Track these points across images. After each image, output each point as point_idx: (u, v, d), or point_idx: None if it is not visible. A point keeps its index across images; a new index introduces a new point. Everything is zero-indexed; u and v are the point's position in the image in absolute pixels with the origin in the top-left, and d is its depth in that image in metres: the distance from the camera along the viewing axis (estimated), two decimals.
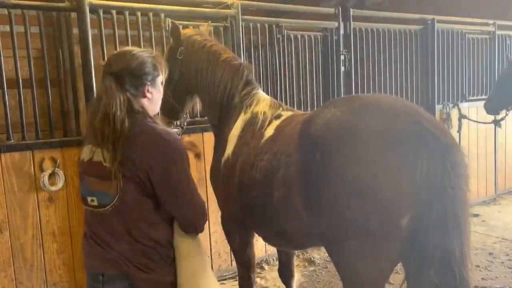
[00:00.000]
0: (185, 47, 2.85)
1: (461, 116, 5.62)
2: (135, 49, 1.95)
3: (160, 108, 2.05)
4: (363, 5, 9.94)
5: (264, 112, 2.60)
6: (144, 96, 1.88)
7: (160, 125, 1.86)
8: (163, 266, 1.85)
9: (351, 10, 4.81)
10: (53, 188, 3.16)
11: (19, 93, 3.16)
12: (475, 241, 4.55)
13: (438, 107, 5.58)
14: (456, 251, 1.76)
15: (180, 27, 2.99)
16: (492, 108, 5.00)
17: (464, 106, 5.77)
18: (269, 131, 2.45)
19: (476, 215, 5.38)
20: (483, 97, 5.81)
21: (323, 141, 1.90)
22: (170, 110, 2.98)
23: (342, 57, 4.76)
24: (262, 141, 2.41)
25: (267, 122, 2.54)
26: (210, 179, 2.85)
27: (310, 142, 1.96)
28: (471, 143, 5.84)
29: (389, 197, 1.73)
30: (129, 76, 1.83)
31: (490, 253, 4.33)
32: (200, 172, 3.83)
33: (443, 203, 1.73)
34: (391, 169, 1.73)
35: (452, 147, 1.78)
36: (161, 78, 1.95)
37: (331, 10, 4.76)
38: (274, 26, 4.31)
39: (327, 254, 2.17)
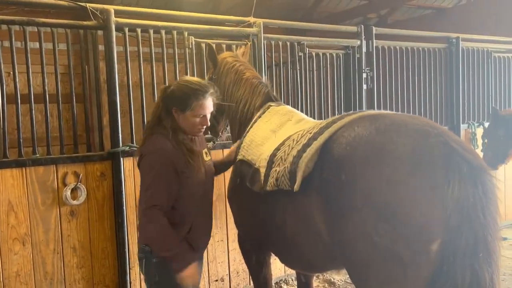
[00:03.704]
0: (218, 68, 3.03)
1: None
2: (186, 79, 2.43)
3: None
4: (386, 23, 9.92)
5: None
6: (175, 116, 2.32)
7: (159, 138, 2.27)
8: None
9: (374, 28, 4.79)
10: (75, 202, 3.20)
11: (45, 107, 3.24)
12: (503, 266, 4.37)
13: (463, 127, 5.46)
14: (487, 278, 1.68)
15: (213, 46, 3.18)
16: (490, 164, 4.55)
17: None
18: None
19: (504, 239, 5.19)
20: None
21: (348, 161, 1.84)
22: (211, 128, 3.25)
23: (364, 75, 4.72)
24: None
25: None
26: (227, 197, 2.84)
27: (333, 162, 1.91)
28: None
29: (419, 221, 1.66)
30: (163, 99, 2.33)
31: None
32: (219, 188, 3.82)
33: (474, 228, 1.66)
34: (421, 192, 1.67)
35: (484, 171, 1.71)
36: (190, 110, 2.29)
37: (354, 28, 4.75)
38: (296, 44, 4.32)
39: (348, 276, 2.10)
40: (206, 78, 3.29)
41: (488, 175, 1.71)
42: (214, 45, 3.20)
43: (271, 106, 2.77)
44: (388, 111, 2.10)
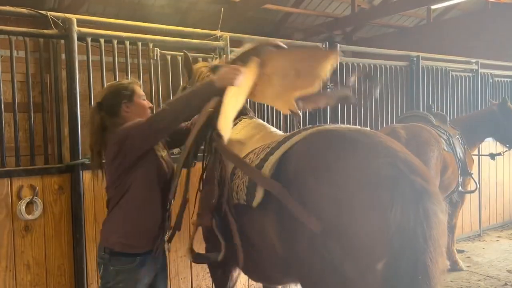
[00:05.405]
0: (193, 78, 3.02)
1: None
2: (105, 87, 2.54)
3: None
4: (351, 40, 10.22)
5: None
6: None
7: None
8: None
9: (338, 45, 4.90)
10: (30, 217, 3.05)
11: (0, 116, 3.09)
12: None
13: None
14: None
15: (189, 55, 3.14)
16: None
17: None
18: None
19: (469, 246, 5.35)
20: None
21: (299, 179, 1.86)
22: (181, 140, 3.17)
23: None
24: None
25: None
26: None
27: (287, 178, 1.92)
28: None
29: (364, 240, 1.68)
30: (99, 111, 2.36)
31: None
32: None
33: (415, 252, 1.65)
34: (366, 211, 1.68)
35: (427, 195, 1.69)
36: (136, 95, 2.40)
37: (319, 45, 4.84)
38: None
39: None
40: (180, 87, 3.27)
41: (432, 198, 1.69)
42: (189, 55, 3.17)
43: (243, 118, 2.77)
44: (347, 126, 2.11)
